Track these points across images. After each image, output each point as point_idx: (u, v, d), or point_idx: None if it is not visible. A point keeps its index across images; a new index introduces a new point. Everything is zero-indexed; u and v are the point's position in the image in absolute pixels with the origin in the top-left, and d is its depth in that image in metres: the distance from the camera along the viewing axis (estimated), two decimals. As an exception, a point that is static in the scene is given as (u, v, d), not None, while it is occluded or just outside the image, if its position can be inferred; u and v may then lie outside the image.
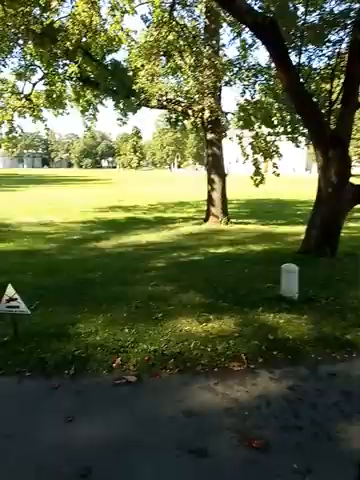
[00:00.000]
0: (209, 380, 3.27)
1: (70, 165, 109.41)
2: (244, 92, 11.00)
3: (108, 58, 13.79)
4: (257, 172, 11.55)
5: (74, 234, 10.22)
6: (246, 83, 10.77)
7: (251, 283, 5.62)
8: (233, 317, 4.40)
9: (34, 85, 13.87)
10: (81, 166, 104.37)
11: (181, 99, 10.89)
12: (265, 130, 11.70)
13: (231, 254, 7.83)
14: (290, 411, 2.89)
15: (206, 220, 12.20)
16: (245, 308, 4.64)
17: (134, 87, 10.04)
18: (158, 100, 10.60)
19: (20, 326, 3.87)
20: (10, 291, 3.57)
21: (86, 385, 3.17)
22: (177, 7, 10.50)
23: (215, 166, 12.11)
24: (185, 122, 14.08)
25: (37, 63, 13.10)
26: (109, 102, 14.12)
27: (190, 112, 10.80)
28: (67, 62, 12.00)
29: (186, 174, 61.65)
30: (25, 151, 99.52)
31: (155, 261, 7.20)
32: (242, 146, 11.45)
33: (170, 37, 9.56)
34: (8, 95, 13.65)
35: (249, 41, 10.78)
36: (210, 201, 12.22)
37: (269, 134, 11.37)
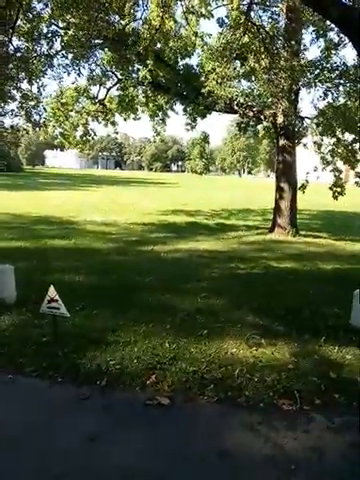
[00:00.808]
0: (252, 416, 2.82)
1: (141, 168, 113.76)
2: (326, 95, 10.14)
3: (181, 63, 13.86)
4: (337, 182, 10.57)
5: (133, 235, 10.28)
6: (329, 85, 9.92)
7: (315, 306, 4.97)
8: (289, 344, 3.87)
9: (108, 90, 14.43)
10: (151, 169, 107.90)
11: (253, 103, 10.40)
12: (348, 136, 10.69)
13: (296, 270, 7.13)
14: (348, 475, 2.34)
15: (271, 230, 11.50)
16: (305, 335, 4.06)
17: (203, 90, 9.81)
18: (227, 104, 10.25)
19: (61, 327, 3.79)
20: (52, 292, 3.50)
21: (116, 401, 2.94)
22: (255, 8, 10.09)
23: (285, 174, 11.36)
24: (258, 127, 13.55)
25: (112, 69, 13.59)
26: (179, 107, 14.14)
27: (262, 117, 10.26)
28: (140, 67, 12.26)
29: (256, 181, 60.21)
30: (100, 153, 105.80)
31: (210, 270, 6.83)
32: (322, 153, 10.58)
33: (245, 39, 9.17)
34: (84, 100, 14.37)
35: (335, 40, 9.98)
36: (277, 210, 11.49)
37: (354, 141, 10.31)
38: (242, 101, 9.99)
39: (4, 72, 7.74)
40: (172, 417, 2.81)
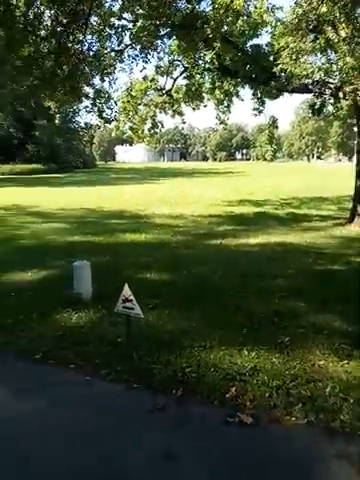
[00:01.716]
0: (349, 446, 2.42)
1: (205, 158, 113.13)
2: None
3: (249, 44, 13.15)
4: None
5: (201, 228, 10.08)
6: None
7: None
8: (388, 357, 3.34)
9: (175, 80, 14.28)
10: (215, 159, 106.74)
11: (330, 80, 9.41)
12: None
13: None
14: None
15: (351, 221, 10.45)
16: None
17: (275, 69, 9.11)
18: (302, 83, 9.40)
19: (134, 327, 3.70)
20: (126, 291, 3.41)
21: (193, 414, 2.73)
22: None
23: (367, 157, 10.20)
24: (330, 109, 12.40)
25: (179, 58, 13.38)
26: (246, 92, 13.55)
27: (341, 94, 9.25)
28: (207, 53, 11.86)
29: (327, 166, 56.22)
30: (166, 146, 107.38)
31: (284, 266, 6.33)
32: None
33: (323, 9, 8.24)
34: (151, 92, 14.41)
35: None
36: (358, 199, 10.39)
37: None
38: (318, 78, 9.06)
39: (80, 70, 7.95)
40: (256, 439, 2.52)
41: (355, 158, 11.16)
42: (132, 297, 3.41)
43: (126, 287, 3.42)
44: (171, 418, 2.71)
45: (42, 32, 7.25)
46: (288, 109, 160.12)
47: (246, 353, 3.43)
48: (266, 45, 12.72)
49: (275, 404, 2.79)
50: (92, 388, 3.06)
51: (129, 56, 10.65)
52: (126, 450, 2.43)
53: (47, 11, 7.13)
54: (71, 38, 7.22)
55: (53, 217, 12.20)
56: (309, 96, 12.21)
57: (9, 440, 2.51)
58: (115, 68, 10.21)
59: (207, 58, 10.32)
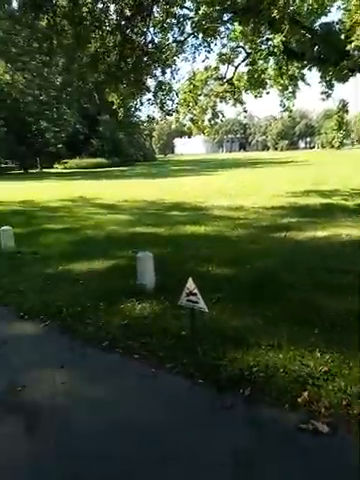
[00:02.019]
0: None
1: (265, 148, 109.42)
2: None
3: (317, 23, 12.31)
4: None
5: (263, 220, 9.69)
6: None
7: None
8: None
9: (236, 68, 13.86)
10: (276, 148, 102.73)
11: None
12: None
13: None
14: None
15: None
16: None
17: (348, 47, 8.36)
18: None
19: (198, 321, 3.62)
20: (190, 285, 3.33)
21: (262, 417, 2.59)
22: None
23: None
24: None
25: (241, 44, 12.94)
26: (313, 76, 12.66)
27: None
28: (270, 37, 11.28)
29: None
30: (225, 136, 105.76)
31: (356, 262, 5.81)
32: None
33: None
34: (212, 81, 14.15)
35: None
36: None
37: None
38: None
39: (143, 62, 8.02)
40: (334, 450, 2.30)
41: None
42: (196, 291, 3.33)
43: (190, 280, 3.35)
44: (240, 418, 2.59)
45: (107, 27, 7.39)
46: (356, 93, 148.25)
47: (319, 355, 3.17)
48: (336, 23, 11.80)
49: (354, 413, 2.53)
50: (157, 380, 3.05)
51: (192, 46, 10.52)
52: (194, 449, 2.36)
53: (112, 6, 7.24)
54: (135, 30, 7.27)
55: (117, 209, 12.63)
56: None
57: (82, 428, 2.58)
58: (176, 59, 10.13)
59: (275, 42, 9.77)
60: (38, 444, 2.45)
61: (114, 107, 10.83)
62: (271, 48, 11.87)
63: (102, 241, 7.70)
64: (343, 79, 12.02)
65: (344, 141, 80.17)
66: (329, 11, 12.79)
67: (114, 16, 7.22)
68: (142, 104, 10.55)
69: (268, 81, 13.98)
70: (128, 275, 5.01)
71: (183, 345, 3.44)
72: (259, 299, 4.38)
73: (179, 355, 3.29)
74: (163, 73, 10.05)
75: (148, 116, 11.18)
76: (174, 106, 11.68)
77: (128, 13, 6.88)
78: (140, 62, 7.83)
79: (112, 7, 7.08)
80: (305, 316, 3.91)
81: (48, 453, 2.36)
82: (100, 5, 6.85)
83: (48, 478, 2.21)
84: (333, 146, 72.12)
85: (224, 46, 11.61)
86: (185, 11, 10.13)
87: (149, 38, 8.22)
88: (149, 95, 10.39)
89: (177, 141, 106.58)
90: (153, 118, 11.55)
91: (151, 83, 10.40)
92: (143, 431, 2.51)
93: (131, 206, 13.04)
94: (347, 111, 75.40)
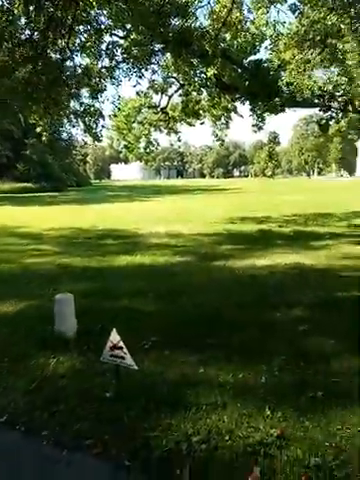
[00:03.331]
0: None
1: (202, 175, 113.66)
2: None
3: (248, 59, 12.89)
4: None
5: (201, 248, 9.40)
6: None
7: None
8: None
9: (170, 97, 13.90)
10: (212, 176, 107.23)
11: (338, 93, 8.98)
12: None
13: None
14: None
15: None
16: None
17: (280, 83, 8.66)
18: (308, 97, 8.95)
19: (126, 377, 2.97)
20: (114, 337, 2.71)
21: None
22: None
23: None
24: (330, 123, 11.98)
25: (174, 75, 13.02)
26: (244, 109, 13.10)
27: (350, 107, 8.78)
28: (203, 70, 11.49)
29: (328, 181, 56.28)
30: (162, 164, 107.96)
31: (300, 293, 5.60)
32: None
33: (333, 18, 7.82)
34: (146, 110, 14.01)
35: None
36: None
37: None
38: (327, 90, 8.62)
39: (62, 81, 7.41)
40: None
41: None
42: (121, 344, 2.71)
43: (114, 332, 2.73)
44: None
45: (15, 40, 6.74)
46: (284, 127, 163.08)
47: (268, 413, 2.69)
48: (265, 61, 12.45)
49: (316, 495, 2.05)
50: (71, 468, 2.31)
51: (122, 70, 10.19)
52: None
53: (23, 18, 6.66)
54: (50, 46, 6.71)
55: (42, 238, 11.48)
56: (310, 112, 11.82)
57: None
58: (106, 86, 9.66)
59: (208, 74, 9.84)
60: None
61: (38, 130, 9.99)
62: (204, 80, 12.07)
63: (18, 277, 6.66)
64: (275, 112, 12.59)
65: (275, 171, 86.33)
66: (258, 50, 13.53)
67: (27, 30, 6.61)
68: (62, 126, 9.89)
69: (202, 112, 14.23)
70: (45, 320, 4.19)
71: (107, 413, 2.74)
72: (198, 341, 3.85)
73: (99, 428, 2.59)
74: (92, 99, 9.50)
75: (83, 141, 10.52)
76: (104, 131, 11.17)
77: (40, 26, 6.34)
78: (59, 79, 7.24)
79: (23, 19, 6.49)
80: (250, 361, 3.46)
81: None
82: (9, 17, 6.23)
83: None
84: (265, 175, 77.12)
85: (154, 72, 11.46)
86: (114, 38, 9.83)
87: (68, 54, 7.63)
88: (72, 117, 9.73)
89: (114, 167, 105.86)
90: (85, 143, 10.91)
91: (76, 105, 9.73)
92: None
93: (59, 235, 11.99)
94: (278, 143, 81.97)
